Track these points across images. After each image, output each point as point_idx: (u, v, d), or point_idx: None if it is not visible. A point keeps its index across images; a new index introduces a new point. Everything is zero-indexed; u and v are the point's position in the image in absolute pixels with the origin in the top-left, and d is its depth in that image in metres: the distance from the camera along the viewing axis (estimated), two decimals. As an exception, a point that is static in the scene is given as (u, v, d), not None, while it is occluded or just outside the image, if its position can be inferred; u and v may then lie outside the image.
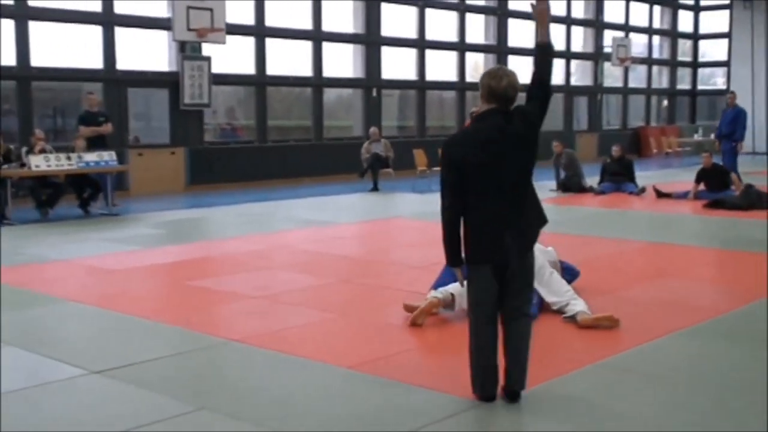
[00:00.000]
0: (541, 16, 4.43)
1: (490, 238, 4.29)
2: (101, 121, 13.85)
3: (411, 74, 21.79)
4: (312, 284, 7.65)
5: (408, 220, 12.29)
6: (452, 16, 22.54)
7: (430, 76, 22.11)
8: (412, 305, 6.28)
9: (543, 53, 4.42)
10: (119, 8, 16.15)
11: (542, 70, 4.41)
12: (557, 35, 25.52)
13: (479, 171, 4.23)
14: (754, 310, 6.56)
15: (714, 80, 33.01)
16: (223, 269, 8.57)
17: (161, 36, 16.89)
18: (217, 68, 17.35)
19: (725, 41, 30.48)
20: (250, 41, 18.36)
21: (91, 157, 12.79)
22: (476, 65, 23.91)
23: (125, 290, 7.54)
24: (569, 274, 6.89)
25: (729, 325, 6.14)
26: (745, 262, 8.74)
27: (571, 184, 15.60)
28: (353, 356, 5.36)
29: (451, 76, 22.80)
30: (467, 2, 22.77)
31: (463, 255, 4.39)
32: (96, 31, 15.98)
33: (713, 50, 32.20)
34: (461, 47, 22.80)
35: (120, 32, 16.25)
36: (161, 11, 16.71)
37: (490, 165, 4.23)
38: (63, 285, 7.65)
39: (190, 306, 6.94)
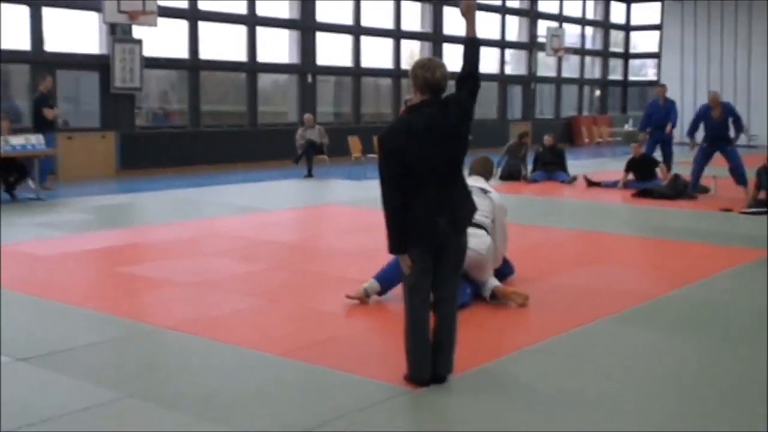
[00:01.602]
0: (468, 11, 4.54)
1: (426, 223, 4.41)
2: (52, 105, 13.85)
3: (347, 61, 21.73)
4: (245, 271, 7.59)
5: (342, 207, 12.28)
6: (388, 3, 22.51)
7: (366, 63, 22.08)
8: (354, 296, 6.27)
9: (471, 46, 4.55)
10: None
11: (471, 62, 4.54)
12: (492, 24, 25.73)
13: (416, 160, 4.36)
14: (679, 296, 6.73)
15: (645, 71, 33.67)
16: (155, 255, 8.44)
17: (91, 18, 16.51)
18: (149, 51, 17.05)
19: (656, 33, 31.10)
20: (183, 24, 18.07)
21: (18, 140, 12.46)
22: (412, 53, 23.96)
23: (53, 277, 7.38)
24: (507, 268, 7.00)
25: (655, 310, 6.29)
26: (670, 250, 8.96)
27: (515, 173, 15.75)
28: (285, 343, 5.34)
29: (387, 63, 22.81)
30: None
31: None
32: (23, 12, 15.55)
33: (645, 42, 32.83)
34: (397, 35, 22.81)
35: (48, 13, 15.84)
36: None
37: (426, 154, 4.37)
38: (-13, 271, 7.44)
39: (121, 293, 6.83)
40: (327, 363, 4.90)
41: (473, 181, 6.61)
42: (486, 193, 6.58)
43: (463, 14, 4.57)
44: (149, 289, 6.95)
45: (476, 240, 6.10)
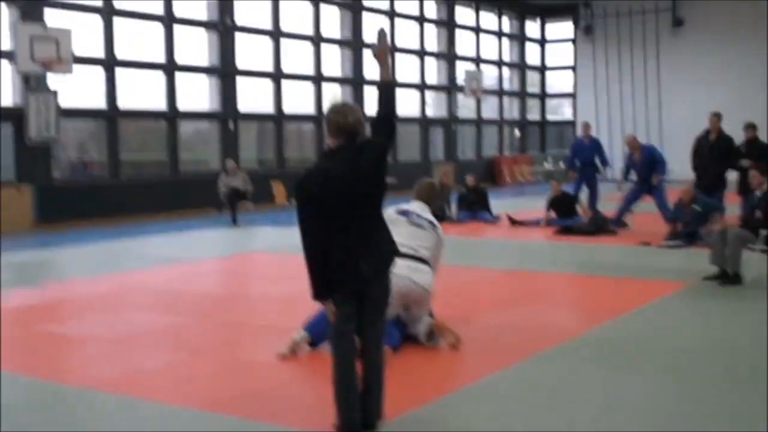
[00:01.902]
0: (381, 56, 4.56)
1: (347, 269, 4.38)
2: None
3: (269, 106, 21.69)
4: (168, 324, 7.41)
5: (267, 254, 12.15)
6: (308, 46, 22.62)
7: (288, 108, 22.08)
8: (287, 352, 6.10)
9: (386, 90, 4.58)
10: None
11: (386, 105, 4.56)
12: (412, 67, 26.08)
13: (333, 206, 4.33)
14: (604, 331, 6.81)
15: (562, 110, 34.49)
16: (74, 312, 8.19)
17: (3, 68, 16.15)
18: (66, 101, 16.73)
19: (570, 72, 31.97)
20: (99, 73, 17.80)
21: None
22: (334, 97, 24.07)
23: (-35, 338, 7.07)
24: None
25: (581, 346, 6.34)
26: (594, 285, 9.10)
27: (439, 214, 15.83)
28: (208, 396, 5.21)
29: (309, 108, 22.85)
30: (322, 34, 22.93)
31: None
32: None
33: (560, 82, 33.66)
34: (318, 78, 22.90)
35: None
36: (3, 42, 16.00)
37: (343, 200, 4.35)
38: None
39: (38, 353, 6.59)
40: (252, 415, 4.79)
41: (420, 210, 6.53)
42: (434, 227, 6.53)
43: (376, 57, 4.59)
44: (68, 348, 6.73)
45: (423, 276, 6.15)
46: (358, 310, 4.45)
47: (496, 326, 7.03)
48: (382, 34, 4.59)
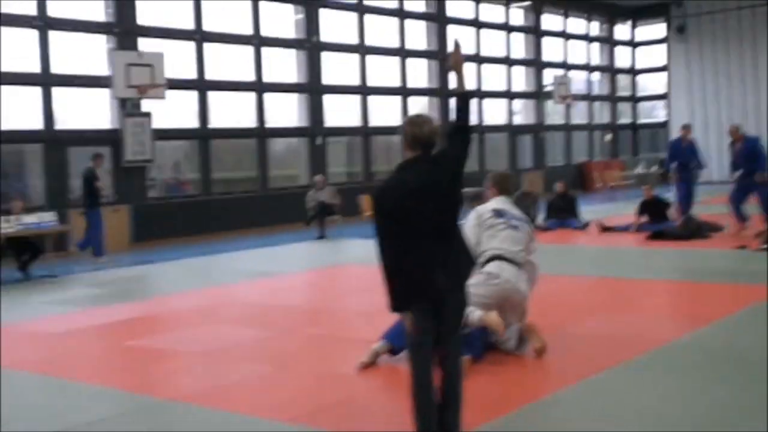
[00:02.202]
0: (456, 65, 4.58)
1: (424, 281, 4.37)
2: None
3: (356, 121, 21.92)
4: (256, 337, 7.55)
5: (355, 267, 12.24)
6: (394, 60, 22.78)
7: (375, 121, 22.25)
8: (367, 362, 6.19)
9: (461, 99, 4.57)
10: (57, 68, 16.00)
11: (461, 115, 4.55)
12: (499, 75, 25.97)
13: (410, 217, 4.34)
14: (697, 338, 6.63)
15: (656, 113, 33.66)
16: (166, 327, 8.43)
17: (101, 94, 16.77)
18: (160, 123, 17.26)
19: (664, 74, 31.17)
20: (192, 95, 18.32)
21: (30, 218, 12.60)
22: (421, 109, 24.14)
23: (64, 354, 7.37)
24: None
25: (673, 354, 6.18)
26: (687, 291, 8.86)
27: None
28: (293, 409, 5.29)
29: (396, 120, 22.94)
30: (408, 47, 23.05)
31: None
32: (35, 92, 15.82)
33: (653, 83, 32.88)
34: (404, 91, 23.02)
35: (59, 92, 16.10)
36: (101, 70, 16.62)
37: (420, 211, 4.34)
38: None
39: (131, 367, 6.81)
40: (336, 427, 4.84)
41: (509, 207, 6.53)
42: (526, 223, 6.56)
43: (452, 69, 4.60)
44: (159, 362, 6.92)
45: (523, 283, 6.26)
46: (436, 322, 4.43)
47: (584, 334, 6.92)
48: (456, 44, 4.63)
